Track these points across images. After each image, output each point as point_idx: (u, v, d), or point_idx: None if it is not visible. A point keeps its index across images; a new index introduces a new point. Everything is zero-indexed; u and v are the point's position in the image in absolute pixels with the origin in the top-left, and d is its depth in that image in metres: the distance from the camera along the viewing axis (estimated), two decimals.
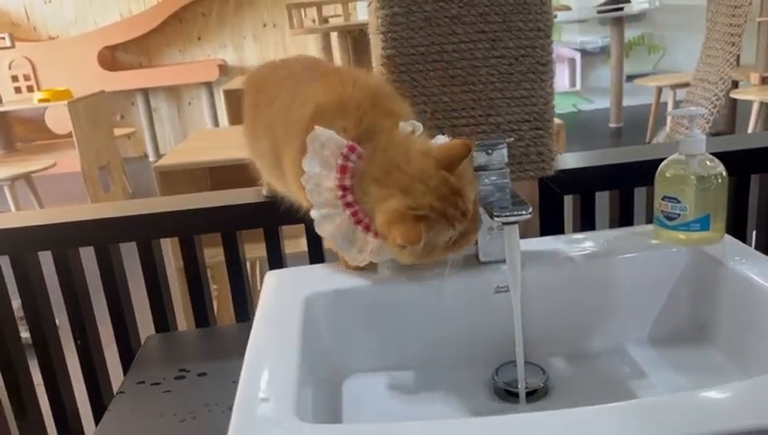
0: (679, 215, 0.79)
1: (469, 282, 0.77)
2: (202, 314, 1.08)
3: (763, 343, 0.69)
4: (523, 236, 0.91)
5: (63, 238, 1.01)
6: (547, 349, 0.79)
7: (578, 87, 5.23)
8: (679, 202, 0.78)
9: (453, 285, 0.76)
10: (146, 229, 1.01)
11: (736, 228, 1.05)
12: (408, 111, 0.76)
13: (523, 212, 0.68)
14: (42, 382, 1.08)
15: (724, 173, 0.78)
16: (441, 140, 0.74)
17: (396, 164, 0.65)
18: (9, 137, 4.23)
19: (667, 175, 0.79)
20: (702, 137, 0.77)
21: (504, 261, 0.73)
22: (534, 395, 0.73)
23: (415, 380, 0.77)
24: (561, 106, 5.28)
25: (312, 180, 0.70)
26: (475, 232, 0.69)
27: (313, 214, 0.71)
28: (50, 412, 1.10)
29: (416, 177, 0.63)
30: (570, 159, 1.05)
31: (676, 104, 3.89)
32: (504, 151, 0.78)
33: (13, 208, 3.33)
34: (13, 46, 3.92)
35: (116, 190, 3.89)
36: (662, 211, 0.80)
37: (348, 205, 0.69)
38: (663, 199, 0.80)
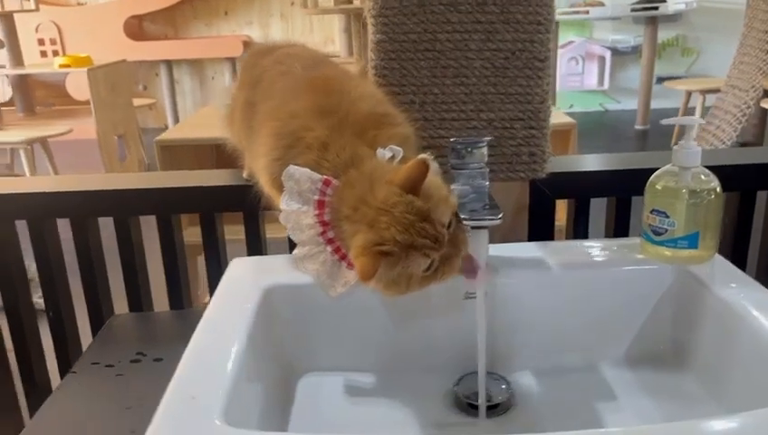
0: (667, 230, 0.74)
1: (437, 286, 0.73)
2: (176, 295, 1.05)
3: (739, 374, 0.64)
4: (508, 241, 0.87)
5: (39, 209, 0.99)
6: (515, 361, 0.75)
7: (606, 86, 5.10)
8: (668, 217, 0.73)
9: None
10: (122, 206, 0.98)
11: (736, 249, 0.99)
12: (399, 133, 0.70)
13: (492, 217, 0.64)
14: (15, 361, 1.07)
15: (719, 189, 0.72)
16: None
17: (362, 198, 0.61)
18: (30, 100, 4.24)
19: (658, 187, 0.74)
20: (697, 149, 0.72)
21: None
22: (496, 409, 0.69)
23: (372, 383, 0.74)
24: (588, 104, 5.17)
25: (292, 218, 0.66)
26: (459, 257, 0.62)
27: (295, 253, 0.67)
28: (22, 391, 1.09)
29: (380, 208, 0.59)
30: (564, 163, 1.00)
31: (705, 110, 3.77)
32: (485, 151, 0.74)
33: (27, 173, 3.35)
34: (37, 9, 3.92)
35: (131, 160, 3.89)
36: (649, 225, 0.75)
37: (329, 241, 0.66)
38: (651, 212, 0.75)
